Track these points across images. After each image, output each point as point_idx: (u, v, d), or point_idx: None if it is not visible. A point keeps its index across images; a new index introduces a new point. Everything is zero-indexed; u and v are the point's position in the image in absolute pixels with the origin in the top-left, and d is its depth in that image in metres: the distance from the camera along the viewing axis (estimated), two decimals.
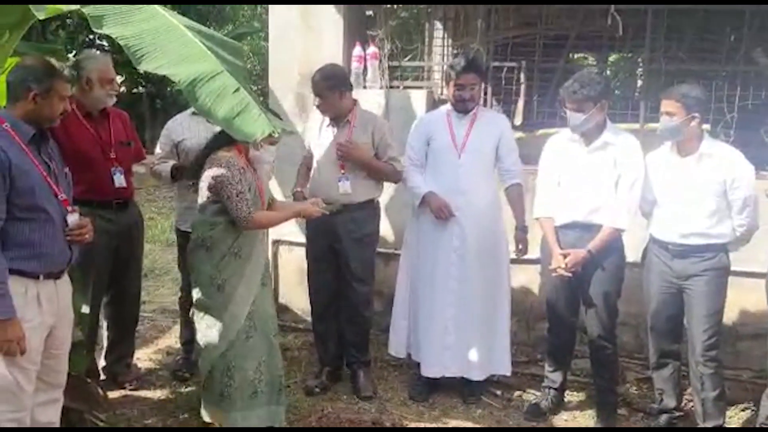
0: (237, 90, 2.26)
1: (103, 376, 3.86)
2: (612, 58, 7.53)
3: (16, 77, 2.58)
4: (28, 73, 2.55)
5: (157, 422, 3.53)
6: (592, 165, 3.49)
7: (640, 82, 5.68)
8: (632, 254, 3.72)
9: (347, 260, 3.82)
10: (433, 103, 4.75)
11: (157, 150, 4.00)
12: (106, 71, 3.55)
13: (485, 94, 4.67)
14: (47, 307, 2.60)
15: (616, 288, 3.57)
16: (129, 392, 3.85)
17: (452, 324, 3.83)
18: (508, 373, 3.95)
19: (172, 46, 2.33)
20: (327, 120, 3.86)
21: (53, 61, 2.64)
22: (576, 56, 8.13)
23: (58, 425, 2.87)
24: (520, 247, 3.84)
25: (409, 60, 5.16)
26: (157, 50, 2.29)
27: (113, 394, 3.76)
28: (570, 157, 3.57)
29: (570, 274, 3.46)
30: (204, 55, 2.33)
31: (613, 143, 3.48)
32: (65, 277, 2.74)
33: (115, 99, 3.62)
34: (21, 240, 2.51)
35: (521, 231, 3.82)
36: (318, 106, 3.80)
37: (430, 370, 3.89)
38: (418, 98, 4.70)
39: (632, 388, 4.03)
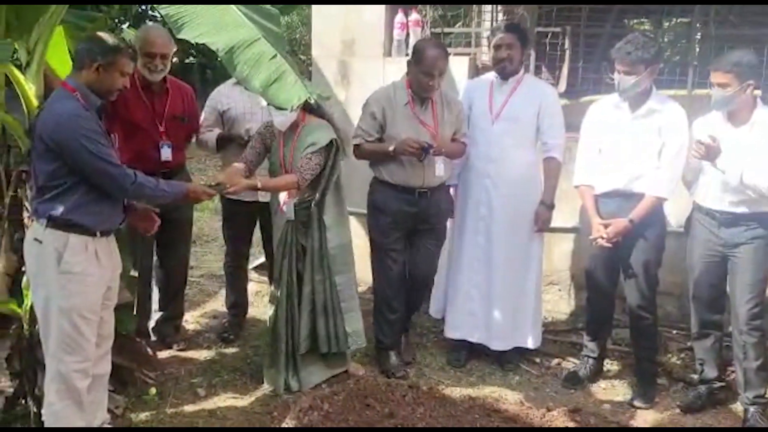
0: (273, 57, 2.29)
1: (153, 337, 4.02)
2: (666, 24, 7.32)
3: (84, 47, 2.68)
4: (96, 44, 2.64)
5: (203, 382, 3.65)
6: (635, 132, 3.43)
7: (698, 48, 5.49)
8: (676, 222, 3.66)
9: (430, 235, 3.79)
10: (476, 70, 4.71)
11: (202, 118, 4.07)
12: (144, 45, 3.56)
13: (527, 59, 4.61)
14: (105, 262, 2.76)
15: (657, 257, 3.53)
16: (177, 353, 3.99)
17: (476, 291, 3.86)
18: (533, 347, 3.94)
19: (210, 15, 2.38)
20: (402, 99, 3.62)
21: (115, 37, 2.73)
22: (632, 22, 7.91)
23: (107, 376, 3.01)
24: (540, 222, 3.78)
25: (457, 27, 5.11)
26: (197, 19, 2.34)
27: (162, 354, 3.90)
28: (613, 123, 3.51)
29: (610, 245, 3.43)
30: (241, 22, 2.37)
31: (659, 110, 3.41)
32: (113, 236, 2.87)
33: (159, 74, 3.62)
34: (86, 203, 2.66)
35: (545, 207, 3.76)
36: (431, 85, 3.51)
37: (452, 333, 3.96)
38: (459, 65, 4.66)
39: (674, 358, 3.99)
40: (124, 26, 9.47)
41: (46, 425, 2.75)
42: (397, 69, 4.75)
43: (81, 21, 3.64)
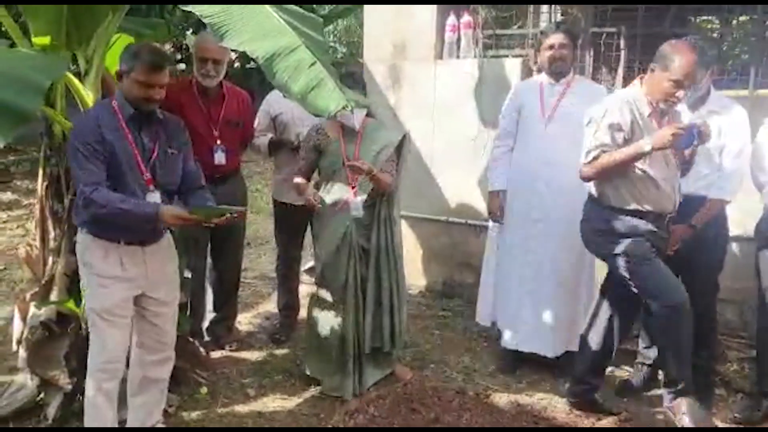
0: (313, 64, 2.31)
1: (206, 337, 4.10)
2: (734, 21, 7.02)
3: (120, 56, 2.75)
4: (124, 53, 2.70)
5: (254, 382, 3.72)
6: None
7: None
8: (737, 228, 3.53)
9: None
10: (529, 72, 4.65)
11: (256, 123, 4.15)
12: (199, 51, 3.65)
13: (579, 61, 4.52)
14: (132, 270, 2.78)
15: (718, 263, 3.41)
16: (229, 353, 4.07)
17: (528, 298, 3.79)
18: None
19: (253, 22, 2.42)
20: (645, 110, 3.11)
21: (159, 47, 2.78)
22: (698, 19, 7.64)
23: (167, 383, 3.08)
24: None
25: (510, 27, 5.05)
26: (239, 27, 2.38)
27: (215, 354, 3.99)
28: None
29: (672, 252, 3.32)
30: (283, 30, 2.41)
31: (718, 111, 3.30)
32: (162, 245, 2.88)
33: (213, 79, 3.69)
34: None
35: None
36: (678, 96, 3.05)
37: (507, 342, 3.90)
38: (512, 67, 4.61)
39: (733, 368, 3.85)
40: (188, 32, 9.68)
41: (84, 417, 2.82)
42: (448, 72, 4.76)
43: (141, 28, 3.76)
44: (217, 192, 3.77)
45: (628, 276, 3.12)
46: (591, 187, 3.26)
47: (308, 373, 3.68)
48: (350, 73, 3.53)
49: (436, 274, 5.05)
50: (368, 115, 3.55)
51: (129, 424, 3.04)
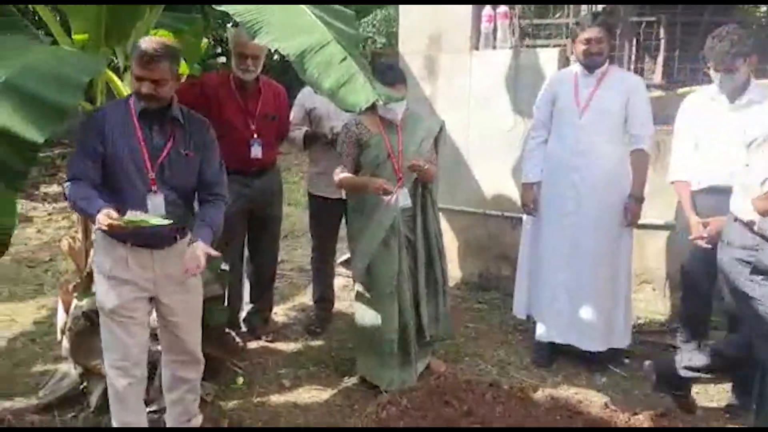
0: (344, 59, 2.32)
1: (243, 328, 4.17)
2: None
3: None
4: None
5: (289, 373, 3.77)
6: (733, 125, 3.23)
7: None
8: None
9: None
10: (566, 63, 4.59)
11: (291, 117, 4.18)
12: (237, 46, 3.67)
13: (619, 50, 4.45)
14: (139, 272, 2.72)
15: None
16: (266, 344, 4.12)
17: (563, 290, 3.76)
18: (623, 347, 3.83)
19: (283, 19, 2.43)
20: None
21: (162, 40, 2.63)
22: (747, 7, 7.42)
23: (198, 386, 3.09)
24: (629, 217, 3.65)
25: (549, 18, 5.00)
26: (271, 23, 2.40)
27: (252, 345, 4.06)
28: (710, 116, 3.34)
29: (710, 246, 3.26)
30: (314, 26, 2.41)
31: (758, 101, 3.21)
32: (175, 250, 2.78)
33: (250, 74, 3.70)
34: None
35: (634, 200, 3.63)
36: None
37: (542, 335, 3.87)
38: (549, 58, 4.55)
39: None
40: (228, 25, 9.78)
41: (111, 408, 2.87)
42: (484, 63, 4.73)
43: (178, 24, 3.79)
44: (254, 187, 3.86)
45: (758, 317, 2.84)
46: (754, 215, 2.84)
47: (363, 374, 3.62)
48: (390, 66, 3.50)
49: (472, 266, 5.03)
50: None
51: (167, 418, 3.11)
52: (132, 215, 2.45)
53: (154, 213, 2.64)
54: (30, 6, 5.33)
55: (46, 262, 5.47)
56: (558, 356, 3.89)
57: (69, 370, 3.41)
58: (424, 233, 3.56)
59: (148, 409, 3.17)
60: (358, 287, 3.60)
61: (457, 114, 4.84)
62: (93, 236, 2.91)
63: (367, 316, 3.55)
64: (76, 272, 3.40)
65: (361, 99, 2.26)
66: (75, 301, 3.25)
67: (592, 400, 3.44)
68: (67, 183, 2.59)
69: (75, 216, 3.05)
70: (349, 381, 3.66)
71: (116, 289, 2.71)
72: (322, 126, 4.03)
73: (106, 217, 2.41)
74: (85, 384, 3.35)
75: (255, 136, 3.80)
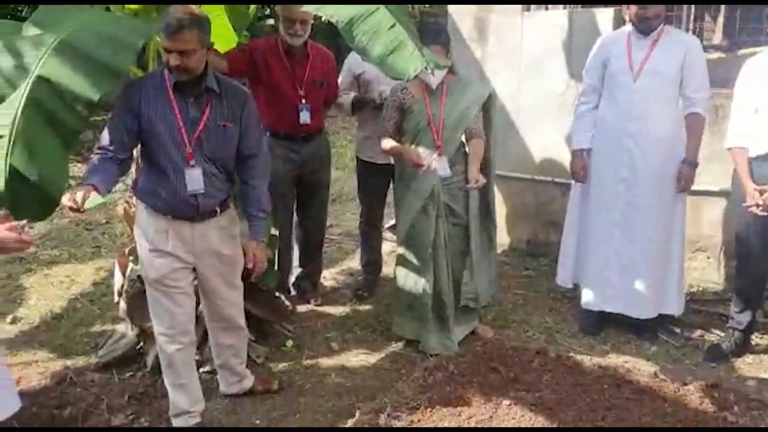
0: (392, 26, 2.29)
1: (292, 292, 4.25)
2: None
3: None
4: None
5: (337, 336, 3.83)
6: None
7: None
8: None
9: None
10: (622, 24, 4.44)
11: (339, 82, 4.17)
12: (285, 10, 3.66)
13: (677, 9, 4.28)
14: (179, 244, 2.77)
15: None
16: (314, 307, 4.19)
17: (615, 258, 3.69)
18: (677, 314, 3.76)
19: None
20: None
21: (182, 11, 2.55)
22: None
23: (243, 350, 3.20)
24: (682, 182, 3.55)
25: None
26: None
27: (301, 309, 4.13)
28: None
29: (766, 213, 3.16)
30: None
31: None
32: (214, 223, 2.82)
33: (299, 38, 3.69)
34: (148, 180, 2.75)
35: (687, 165, 3.53)
36: None
37: (589, 303, 3.83)
38: (604, 19, 4.41)
39: None
40: None
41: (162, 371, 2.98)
42: (536, 24, 4.62)
43: None
44: (302, 152, 3.88)
45: None
46: None
47: (395, 331, 3.73)
48: (437, 30, 3.44)
49: (521, 232, 4.99)
50: (451, 71, 3.50)
51: (219, 379, 3.23)
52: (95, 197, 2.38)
53: (192, 186, 2.68)
54: None
55: (102, 225, 5.64)
56: (607, 324, 3.86)
57: (126, 330, 3.53)
58: (476, 200, 3.56)
59: (201, 370, 3.31)
60: (400, 251, 3.67)
61: (507, 77, 4.76)
62: (133, 209, 2.96)
63: (405, 280, 3.62)
64: (131, 236, 3.50)
65: (409, 66, 2.24)
66: (131, 265, 3.35)
67: (641, 369, 3.40)
68: (96, 152, 2.62)
69: (130, 180, 3.12)
70: (396, 345, 3.71)
71: (158, 261, 2.77)
72: (370, 91, 4.01)
73: (69, 198, 2.30)
74: (141, 344, 3.48)
75: (303, 101, 3.80)
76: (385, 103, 3.64)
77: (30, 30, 2.54)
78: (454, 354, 3.46)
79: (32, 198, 2.32)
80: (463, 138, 3.52)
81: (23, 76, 2.36)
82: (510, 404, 3.00)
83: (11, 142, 2.27)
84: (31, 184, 2.32)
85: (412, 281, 3.58)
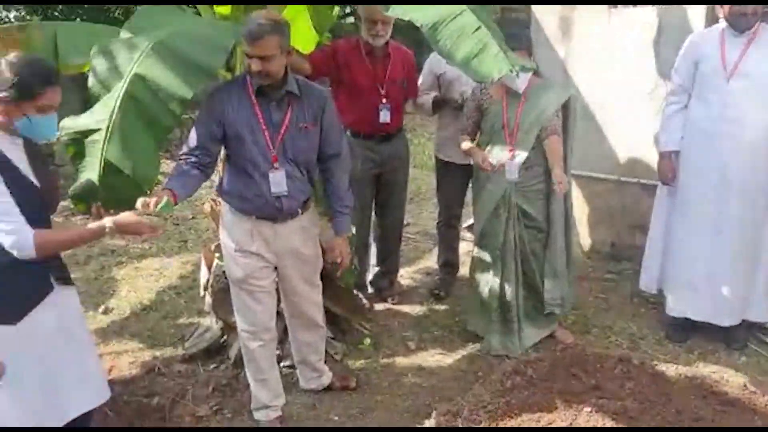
0: (477, 29, 2.27)
1: (369, 290, 4.28)
2: None
3: None
4: None
5: (414, 335, 3.85)
6: None
7: None
8: None
9: None
10: (715, 21, 4.26)
11: (420, 81, 4.17)
12: (367, 11, 3.69)
13: None
14: (262, 244, 2.84)
15: None
16: (391, 306, 4.22)
17: (702, 264, 3.56)
18: (764, 320, 3.62)
19: None
20: None
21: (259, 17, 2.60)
22: None
23: (321, 347, 3.27)
24: None
25: None
26: None
27: (378, 307, 4.16)
28: None
29: None
30: None
31: None
32: (295, 224, 2.88)
33: (381, 39, 3.72)
34: (233, 182, 2.81)
35: None
36: None
37: (675, 309, 3.71)
38: (695, 15, 4.24)
39: None
40: None
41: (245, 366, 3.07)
42: (623, 21, 4.48)
43: None
44: (382, 152, 3.91)
45: None
46: None
47: (469, 327, 3.77)
48: (518, 36, 3.37)
49: (604, 235, 4.86)
50: (536, 74, 3.45)
51: (299, 375, 3.31)
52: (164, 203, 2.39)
53: (276, 189, 2.74)
54: None
55: (189, 220, 5.84)
56: (693, 332, 3.72)
57: (211, 324, 3.65)
58: (556, 205, 3.51)
59: (282, 364, 3.39)
60: (474, 250, 3.70)
61: (592, 75, 4.64)
62: (219, 208, 3.06)
63: (477, 278, 3.66)
64: (217, 232, 3.61)
65: (493, 69, 2.21)
66: (216, 260, 3.45)
67: (730, 380, 3.27)
68: (180, 157, 2.72)
69: (216, 177, 3.23)
70: (473, 347, 3.69)
71: (243, 260, 2.85)
72: (451, 91, 4.00)
73: (142, 204, 2.32)
74: (225, 337, 3.58)
75: (384, 101, 3.82)
76: (465, 103, 3.64)
77: (125, 34, 2.66)
78: (533, 358, 3.42)
79: (125, 190, 2.43)
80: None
81: (117, 78, 2.48)
82: (591, 411, 2.93)
83: (108, 136, 2.40)
84: (124, 177, 2.44)
85: (482, 280, 3.63)
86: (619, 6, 4.53)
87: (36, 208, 2.20)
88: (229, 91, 2.74)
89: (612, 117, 4.65)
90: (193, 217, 5.85)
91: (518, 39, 3.25)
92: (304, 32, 3.53)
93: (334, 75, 3.83)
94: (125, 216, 2.25)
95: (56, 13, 8.78)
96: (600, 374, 3.25)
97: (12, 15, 9.03)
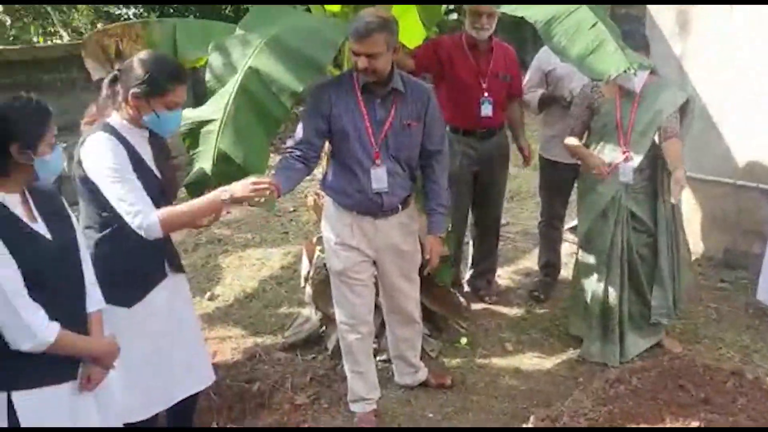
0: (594, 25, 2.20)
1: (466, 288, 4.24)
2: None
3: None
4: None
5: (512, 337, 3.78)
6: None
7: None
8: None
9: None
10: None
11: (526, 79, 4.09)
12: (474, 6, 3.63)
13: None
14: (363, 239, 2.88)
15: None
16: (488, 306, 4.15)
17: None
18: None
19: None
20: None
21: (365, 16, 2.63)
22: None
23: (417, 343, 3.27)
24: None
25: None
26: None
27: (475, 306, 4.11)
28: None
29: None
30: None
31: None
32: (395, 220, 2.90)
33: (485, 32, 3.66)
34: (336, 177, 2.86)
35: None
36: None
37: None
38: None
39: None
40: None
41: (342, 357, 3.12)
42: (746, 16, 4.23)
43: None
44: (481, 149, 3.86)
45: None
46: None
47: (572, 331, 3.68)
48: (630, 32, 3.22)
49: (717, 241, 4.61)
50: (651, 72, 3.30)
51: (394, 369, 3.33)
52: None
53: (377, 185, 2.77)
54: None
55: (290, 212, 5.98)
56: None
57: (310, 314, 3.73)
58: (660, 211, 3.36)
59: (378, 358, 3.41)
60: (578, 252, 3.59)
61: (710, 74, 4.40)
62: (322, 201, 3.10)
63: (580, 281, 3.55)
64: (319, 224, 3.68)
65: (610, 67, 2.14)
66: (318, 252, 3.52)
67: None
68: (288, 149, 2.78)
69: (318, 171, 3.29)
70: (574, 352, 3.59)
71: (343, 254, 2.89)
72: (560, 88, 3.90)
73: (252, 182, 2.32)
74: (324, 328, 3.65)
75: (486, 94, 3.77)
76: (574, 101, 3.53)
77: (239, 31, 2.75)
78: (638, 366, 3.28)
79: (235, 179, 2.48)
80: (655, 138, 3.31)
81: (231, 72, 2.57)
82: (699, 426, 2.79)
83: (221, 127, 2.49)
84: (236, 166, 2.53)
85: (586, 285, 3.51)
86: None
87: (156, 197, 2.29)
88: (336, 88, 2.79)
89: (730, 118, 4.40)
90: (294, 210, 5.98)
91: (633, 36, 3.11)
92: (411, 28, 3.54)
93: (436, 70, 3.81)
94: (237, 183, 2.29)
95: (171, 10, 9.20)
96: (710, 387, 3.08)
97: (131, 12, 9.55)
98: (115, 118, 2.32)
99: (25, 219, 1.95)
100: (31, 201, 2.00)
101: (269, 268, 4.86)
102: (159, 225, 2.16)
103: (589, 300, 3.49)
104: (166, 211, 2.23)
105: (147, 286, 2.41)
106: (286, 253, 5.08)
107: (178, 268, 2.57)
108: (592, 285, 3.47)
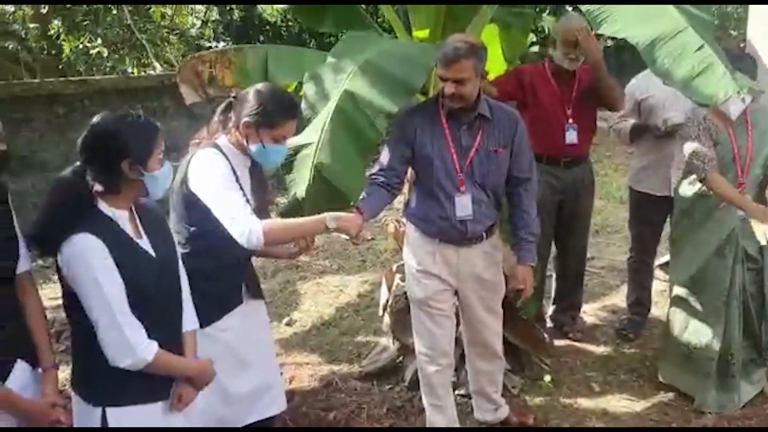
0: (700, 48, 2.08)
1: (549, 324, 4.09)
2: None
3: None
4: None
5: (598, 377, 3.60)
6: None
7: None
8: None
9: None
10: None
11: None
12: (566, 33, 3.50)
13: None
14: (445, 267, 2.81)
15: None
16: (573, 342, 3.98)
17: None
18: None
19: (631, 6, 2.26)
20: None
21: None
22: None
23: (498, 378, 3.14)
24: None
25: None
26: (617, 11, 2.26)
27: (558, 342, 3.95)
28: None
29: None
30: (664, 12, 2.21)
31: None
32: (478, 249, 2.83)
33: (576, 62, 3.55)
34: (420, 204, 2.81)
35: None
36: None
37: None
38: None
39: None
40: (545, 14, 9.68)
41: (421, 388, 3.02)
42: None
43: (508, 17, 3.81)
44: (565, 178, 3.72)
45: None
46: None
47: (663, 379, 3.45)
48: (737, 55, 3.05)
49: None
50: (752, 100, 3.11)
51: (474, 405, 3.20)
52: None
53: (462, 213, 2.71)
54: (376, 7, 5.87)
55: (368, 240, 5.97)
56: None
57: (388, 343, 3.66)
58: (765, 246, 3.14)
59: (457, 392, 3.30)
60: (678, 291, 3.33)
61: None
62: (403, 229, 3.05)
63: (684, 327, 3.29)
64: (399, 252, 3.63)
65: (719, 90, 2.01)
66: (397, 281, 3.46)
67: None
68: (372, 175, 2.75)
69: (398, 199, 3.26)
70: (665, 396, 3.39)
71: (425, 281, 2.83)
72: (654, 117, 3.73)
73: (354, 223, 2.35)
74: (401, 359, 3.58)
75: (570, 120, 3.65)
76: (687, 131, 3.23)
77: (331, 59, 2.77)
78: (738, 414, 3.06)
79: (330, 199, 2.51)
80: None
81: (324, 100, 2.58)
82: None
83: (318, 149, 2.50)
84: (330, 190, 2.53)
85: (693, 330, 3.25)
86: None
87: None
88: (422, 114, 2.77)
89: None
90: (372, 238, 5.97)
91: (741, 59, 2.95)
92: (494, 58, 3.51)
93: (519, 97, 3.72)
94: (344, 214, 2.30)
95: (258, 44, 9.49)
96: None
97: (221, 45, 9.91)
98: (223, 140, 2.36)
99: (132, 235, 1.97)
100: (137, 217, 2.03)
101: (347, 295, 4.84)
102: (262, 234, 2.14)
103: (704, 348, 3.21)
104: (271, 222, 2.24)
105: (221, 310, 2.41)
106: (364, 281, 5.06)
107: (256, 294, 2.56)
108: (708, 332, 3.20)
